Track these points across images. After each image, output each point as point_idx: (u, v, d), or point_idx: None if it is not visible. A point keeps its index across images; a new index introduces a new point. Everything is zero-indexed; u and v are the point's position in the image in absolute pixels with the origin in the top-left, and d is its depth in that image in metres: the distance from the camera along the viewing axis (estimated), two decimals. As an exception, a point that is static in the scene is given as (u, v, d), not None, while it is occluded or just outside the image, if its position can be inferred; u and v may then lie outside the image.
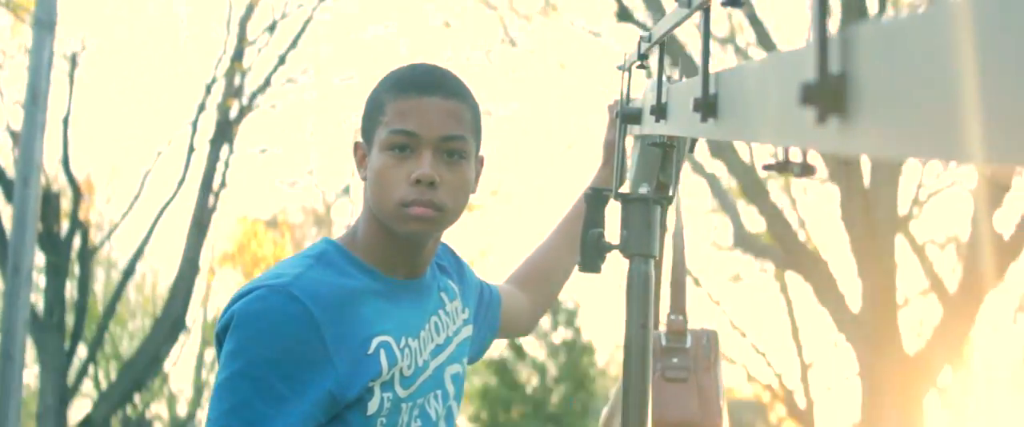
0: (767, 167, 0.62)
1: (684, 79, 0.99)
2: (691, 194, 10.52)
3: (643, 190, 1.38)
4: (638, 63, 1.40)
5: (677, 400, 1.62)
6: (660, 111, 1.03)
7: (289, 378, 1.21)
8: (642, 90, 1.53)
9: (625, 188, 1.47)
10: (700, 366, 1.65)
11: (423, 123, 1.28)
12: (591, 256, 1.44)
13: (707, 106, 0.65)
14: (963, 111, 0.39)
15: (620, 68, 1.52)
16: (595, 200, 1.44)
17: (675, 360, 1.64)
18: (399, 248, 1.35)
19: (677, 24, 0.98)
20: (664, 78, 1.11)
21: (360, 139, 1.36)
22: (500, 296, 1.68)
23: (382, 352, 1.31)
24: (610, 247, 1.41)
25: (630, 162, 1.53)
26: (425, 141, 1.29)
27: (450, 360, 1.47)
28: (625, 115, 1.37)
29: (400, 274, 1.37)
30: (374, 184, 1.31)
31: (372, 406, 1.30)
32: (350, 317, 1.28)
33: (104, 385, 13.46)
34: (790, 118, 0.56)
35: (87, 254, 10.67)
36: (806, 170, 0.60)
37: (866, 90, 0.49)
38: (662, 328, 1.65)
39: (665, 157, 1.49)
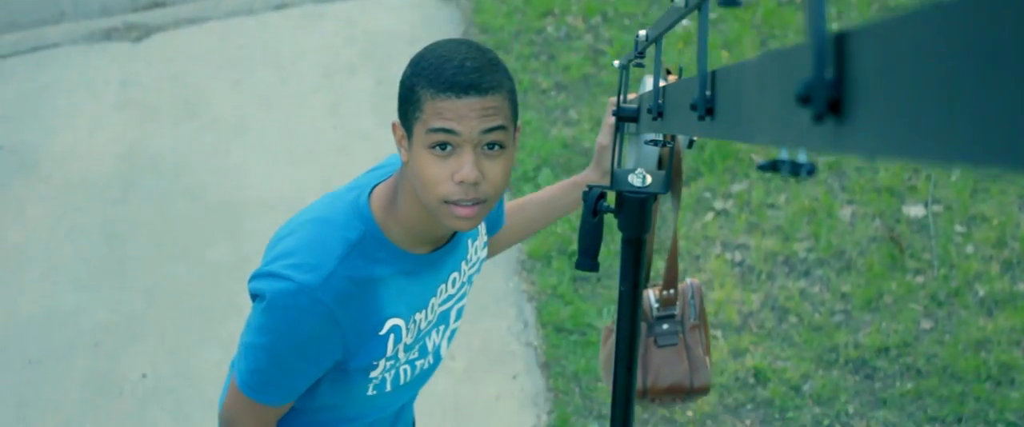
0: (761, 167, 0.61)
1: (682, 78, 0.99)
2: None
3: (639, 181, 1.39)
4: (636, 61, 1.40)
5: (668, 365, 1.84)
6: (657, 110, 1.03)
7: (305, 357, 1.42)
8: (639, 88, 1.53)
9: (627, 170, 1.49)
10: (687, 325, 1.85)
11: (463, 123, 1.28)
12: (588, 256, 1.45)
13: (704, 106, 0.65)
14: (961, 113, 0.39)
15: (618, 66, 1.51)
16: (592, 199, 1.44)
17: (665, 326, 1.84)
18: (438, 228, 1.42)
19: (675, 22, 0.97)
20: (661, 76, 1.11)
21: (398, 121, 1.37)
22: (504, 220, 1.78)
23: (392, 335, 1.46)
24: (609, 209, 1.44)
25: (628, 157, 1.53)
26: (465, 138, 1.29)
27: (460, 298, 1.62)
28: (622, 113, 1.36)
29: (429, 247, 1.46)
30: (417, 178, 1.33)
31: (373, 374, 1.50)
32: (371, 305, 1.42)
33: None
34: (786, 118, 0.56)
35: None
36: (802, 170, 0.60)
37: (862, 91, 0.48)
38: (654, 291, 1.84)
39: (662, 153, 1.50)
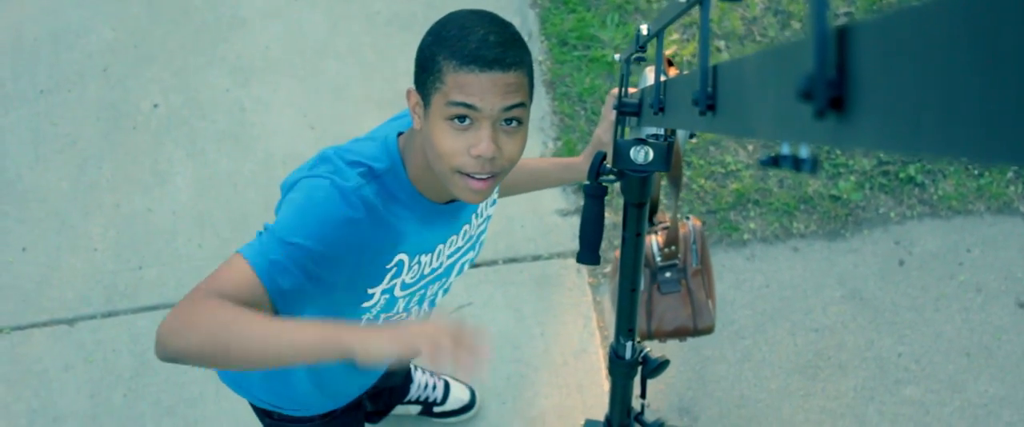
0: (763, 162, 0.62)
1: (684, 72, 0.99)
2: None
3: (641, 158, 1.39)
4: (637, 55, 1.40)
5: (671, 311, 1.91)
6: (659, 104, 1.03)
7: (321, 262, 1.32)
8: (640, 82, 1.53)
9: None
10: (689, 271, 1.92)
11: (484, 98, 1.27)
12: (589, 249, 1.46)
13: (706, 100, 0.65)
14: (961, 107, 0.39)
15: (619, 59, 1.52)
16: (593, 192, 1.44)
17: (668, 274, 1.92)
18: (448, 191, 1.42)
19: (676, 17, 0.98)
20: (662, 70, 1.11)
21: (414, 87, 1.36)
22: None
23: (393, 268, 1.47)
24: (609, 171, 1.46)
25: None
26: (485, 114, 1.29)
27: (467, 250, 1.64)
28: (623, 107, 1.37)
29: (444, 199, 1.47)
30: (432, 148, 1.33)
31: (366, 303, 1.49)
32: (388, 232, 1.41)
33: None
34: (788, 113, 0.56)
35: None
36: (804, 165, 0.60)
37: (864, 85, 0.48)
38: (657, 239, 1.91)
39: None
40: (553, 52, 3.53)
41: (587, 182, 1.46)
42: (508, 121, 1.31)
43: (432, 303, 1.68)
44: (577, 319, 2.91)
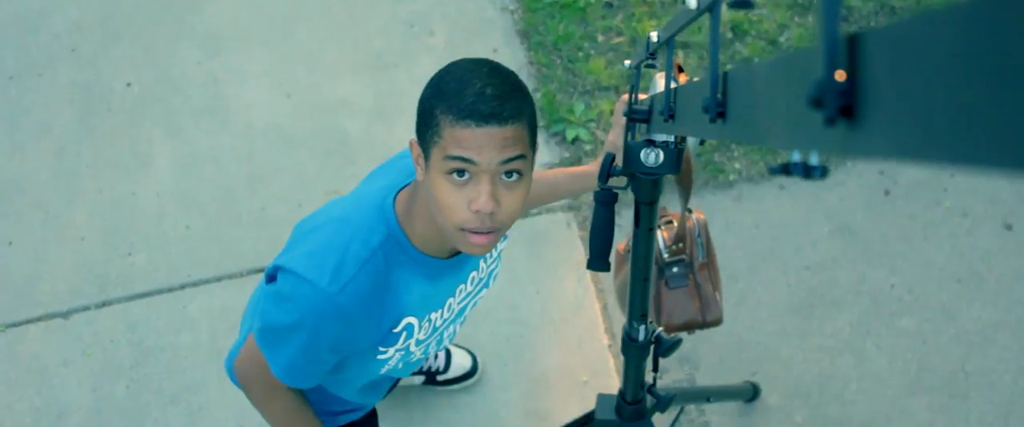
0: (773, 170, 0.61)
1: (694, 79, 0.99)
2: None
3: (651, 161, 1.38)
4: (647, 62, 1.39)
5: (679, 305, 1.94)
6: (669, 111, 1.02)
7: (334, 350, 1.50)
8: (651, 89, 1.52)
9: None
10: (696, 265, 1.95)
11: (481, 153, 1.27)
12: (599, 256, 1.45)
13: (716, 107, 0.64)
14: (973, 115, 0.39)
15: (629, 66, 1.51)
16: (604, 199, 1.44)
17: (675, 269, 1.94)
18: (452, 245, 1.44)
19: (686, 24, 0.96)
20: (673, 77, 1.10)
21: (416, 139, 1.36)
22: None
23: (405, 331, 1.52)
24: (619, 172, 1.45)
25: None
26: (483, 168, 1.28)
27: (477, 292, 1.68)
28: (633, 114, 1.36)
29: (448, 254, 1.48)
30: (433, 201, 1.32)
31: (383, 357, 1.56)
32: (391, 304, 1.45)
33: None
34: (798, 120, 0.56)
35: None
36: (814, 172, 0.60)
37: (875, 93, 0.48)
38: (663, 234, 1.94)
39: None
40: (524, 1, 3.50)
41: (598, 189, 1.46)
42: (508, 174, 1.30)
43: (450, 337, 1.72)
44: (570, 273, 2.91)
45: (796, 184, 3.11)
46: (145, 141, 3.26)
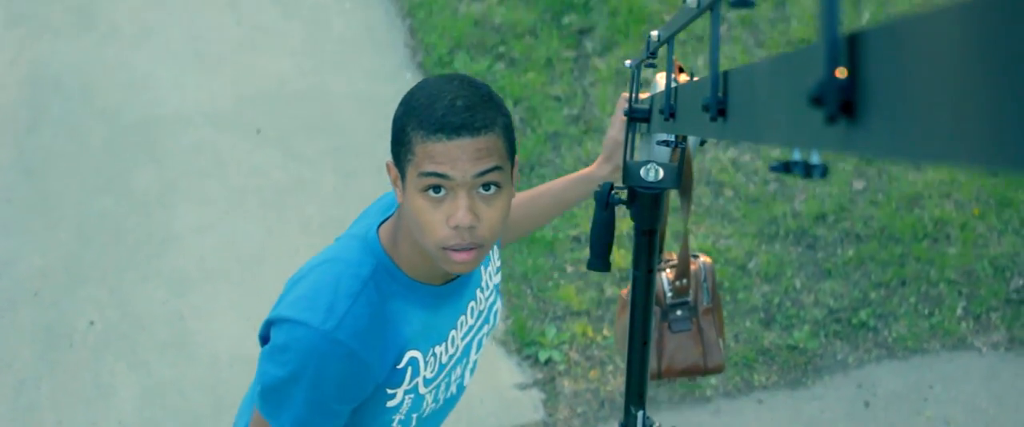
0: (774, 168, 0.61)
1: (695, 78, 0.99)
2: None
3: (651, 176, 1.38)
4: (648, 61, 1.40)
5: (682, 350, 1.89)
6: (669, 110, 1.02)
7: (342, 398, 1.38)
8: (651, 88, 1.53)
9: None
10: (700, 309, 1.90)
11: (454, 166, 1.25)
12: (600, 255, 1.45)
13: (716, 106, 0.64)
14: (974, 114, 0.39)
15: (629, 65, 1.51)
16: (604, 197, 1.44)
17: (679, 312, 1.88)
18: (441, 268, 1.37)
19: (686, 23, 0.97)
20: (673, 76, 1.11)
21: (391, 161, 1.34)
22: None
23: (409, 367, 1.43)
24: (619, 201, 1.44)
25: (640, 154, 1.54)
26: (459, 182, 1.26)
27: (481, 327, 1.59)
28: (634, 113, 1.36)
29: (440, 281, 1.43)
30: (412, 222, 1.30)
31: (392, 403, 1.45)
32: (391, 337, 1.38)
33: None
34: (799, 119, 0.56)
35: None
36: (815, 171, 0.59)
37: (875, 92, 0.48)
38: (667, 275, 1.89)
39: (673, 153, 1.50)
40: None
41: (598, 189, 1.45)
42: (486, 187, 1.28)
43: (460, 386, 1.63)
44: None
45: (774, 397, 3.07)
46: (108, 374, 3.19)
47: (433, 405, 1.56)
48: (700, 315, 1.89)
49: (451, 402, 1.64)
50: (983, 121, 0.37)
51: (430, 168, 1.25)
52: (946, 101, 0.40)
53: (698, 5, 0.81)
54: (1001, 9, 0.35)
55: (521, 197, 1.79)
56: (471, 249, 1.29)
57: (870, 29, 0.48)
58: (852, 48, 0.50)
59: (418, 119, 1.26)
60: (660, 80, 1.48)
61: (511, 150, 1.32)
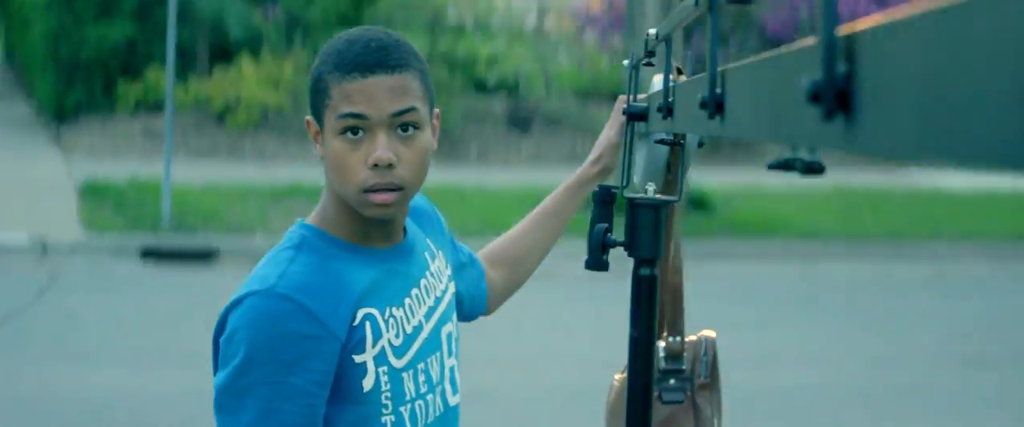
0: (771, 165, 0.61)
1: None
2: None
3: (651, 190, 1.38)
4: (645, 60, 1.40)
5: (672, 424, 1.63)
6: (667, 109, 1.03)
7: (303, 370, 1.28)
8: (649, 87, 1.53)
9: (635, 182, 1.47)
10: (697, 383, 1.65)
11: (371, 104, 1.26)
12: (598, 254, 1.44)
13: (714, 104, 0.65)
14: (971, 113, 0.39)
15: (627, 65, 1.51)
16: (603, 198, 1.44)
17: (672, 381, 1.63)
18: (369, 222, 1.36)
19: (684, 21, 0.97)
20: (671, 75, 1.11)
21: (311, 116, 1.34)
22: (482, 269, 1.67)
23: (367, 324, 1.35)
24: (616, 243, 1.41)
25: (638, 158, 1.53)
26: (376, 121, 1.27)
27: (443, 319, 1.50)
28: (632, 112, 1.36)
29: (379, 243, 1.40)
30: (332, 169, 1.31)
31: (368, 382, 1.35)
32: (340, 291, 1.32)
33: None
34: (796, 117, 0.56)
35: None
36: (812, 169, 0.60)
37: (872, 89, 0.48)
38: (661, 344, 1.63)
39: (672, 154, 1.49)
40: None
41: (597, 189, 1.45)
42: (404, 128, 1.28)
43: (446, 404, 1.48)
44: None
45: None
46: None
47: (422, 411, 1.44)
48: (696, 389, 1.66)
49: (444, 419, 1.49)
50: (981, 120, 0.37)
51: (347, 108, 1.26)
52: (944, 99, 0.41)
53: (697, 2, 0.82)
54: (999, 8, 0.35)
55: (511, 233, 1.71)
56: (391, 190, 1.28)
57: (868, 27, 0.48)
58: (850, 45, 0.51)
59: (334, 62, 1.28)
60: (657, 81, 1.48)
61: (429, 96, 1.33)
